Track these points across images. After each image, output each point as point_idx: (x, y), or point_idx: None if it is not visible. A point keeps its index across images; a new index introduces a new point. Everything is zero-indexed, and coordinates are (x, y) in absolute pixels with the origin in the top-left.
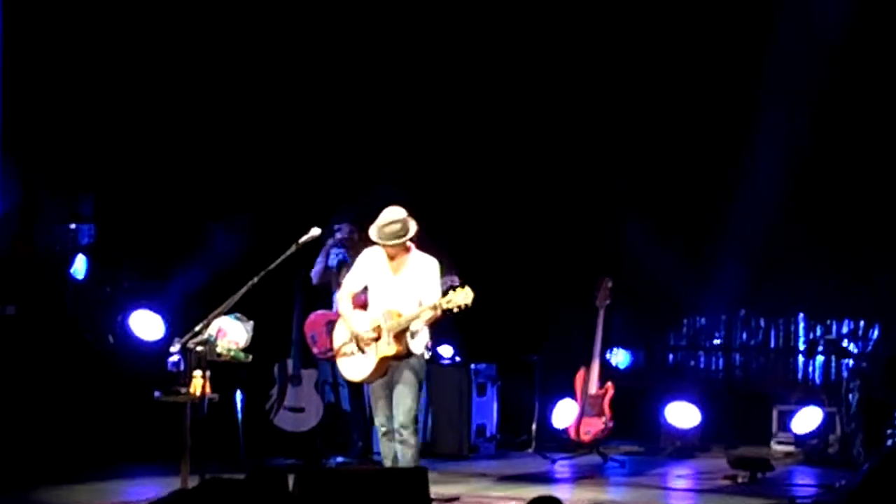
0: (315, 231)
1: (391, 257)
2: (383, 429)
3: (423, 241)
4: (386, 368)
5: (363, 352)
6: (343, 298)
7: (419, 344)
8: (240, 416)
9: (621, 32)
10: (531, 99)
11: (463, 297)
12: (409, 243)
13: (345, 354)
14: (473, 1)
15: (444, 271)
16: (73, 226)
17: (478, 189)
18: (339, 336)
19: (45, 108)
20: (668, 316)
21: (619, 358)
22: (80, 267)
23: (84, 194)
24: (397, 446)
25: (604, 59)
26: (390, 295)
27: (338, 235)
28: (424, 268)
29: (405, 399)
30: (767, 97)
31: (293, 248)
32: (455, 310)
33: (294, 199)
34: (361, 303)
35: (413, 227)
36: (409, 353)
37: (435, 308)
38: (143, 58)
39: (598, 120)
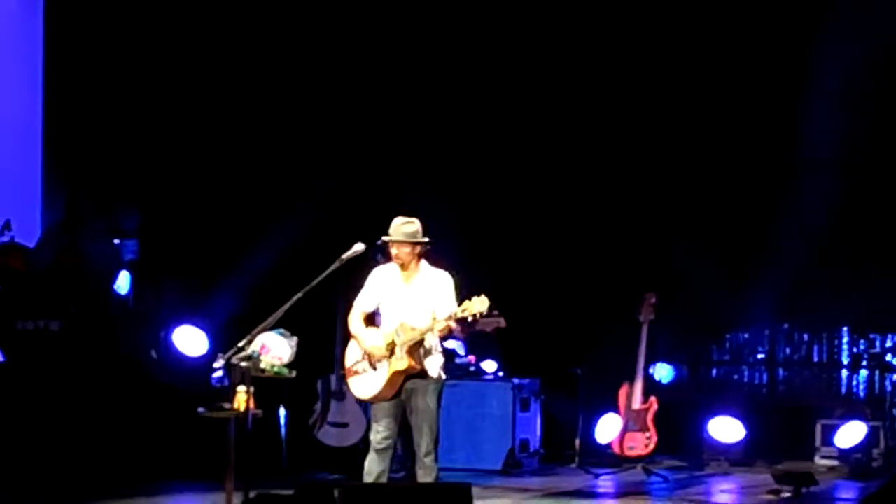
0: (359, 247)
1: (403, 266)
2: (380, 445)
3: (434, 260)
4: (397, 386)
5: (375, 368)
6: (354, 318)
7: (435, 366)
8: (283, 431)
9: (662, 49)
10: (575, 114)
11: (479, 305)
12: (421, 260)
13: (356, 373)
14: (515, 19)
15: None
16: (116, 241)
17: (522, 203)
18: (352, 355)
19: (90, 125)
20: (711, 330)
21: (663, 373)
22: (123, 283)
23: (128, 210)
24: (418, 472)
25: (648, 75)
26: (404, 308)
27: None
28: (437, 280)
29: (427, 427)
30: (813, 111)
31: (336, 264)
32: (470, 319)
33: (337, 214)
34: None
35: (425, 238)
36: (423, 371)
37: (450, 318)
38: (188, 77)
39: (642, 136)
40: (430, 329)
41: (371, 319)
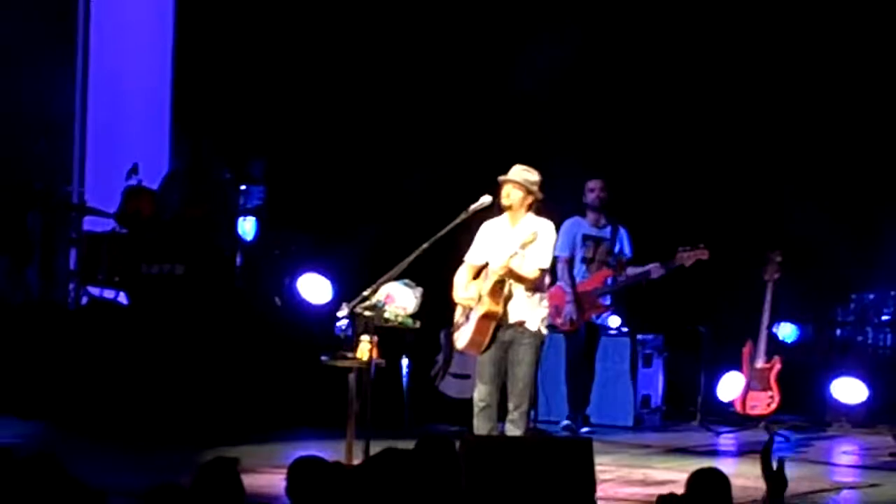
0: (486, 199)
1: (511, 209)
2: (482, 404)
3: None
4: (486, 333)
5: (468, 319)
6: (460, 271)
7: (535, 319)
8: (405, 381)
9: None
10: (699, 74)
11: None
12: (529, 211)
13: (458, 326)
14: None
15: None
16: (243, 187)
17: (649, 160)
18: (459, 311)
19: (218, 70)
20: (836, 291)
21: (787, 332)
22: (249, 229)
23: (255, 157)
24: (507, 425)
25: (770, 36)
26: (501, 254)
27: (589, 197)
28: (537, 229)
29: (519, 379)
30: None
31: (463, 215)
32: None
33: (466, 165)
34: None
35: (541, 195)
36: (519, 322)
37: (503, 267)
38: (317, 23)
39: (769, 94)
40: (503, 270)
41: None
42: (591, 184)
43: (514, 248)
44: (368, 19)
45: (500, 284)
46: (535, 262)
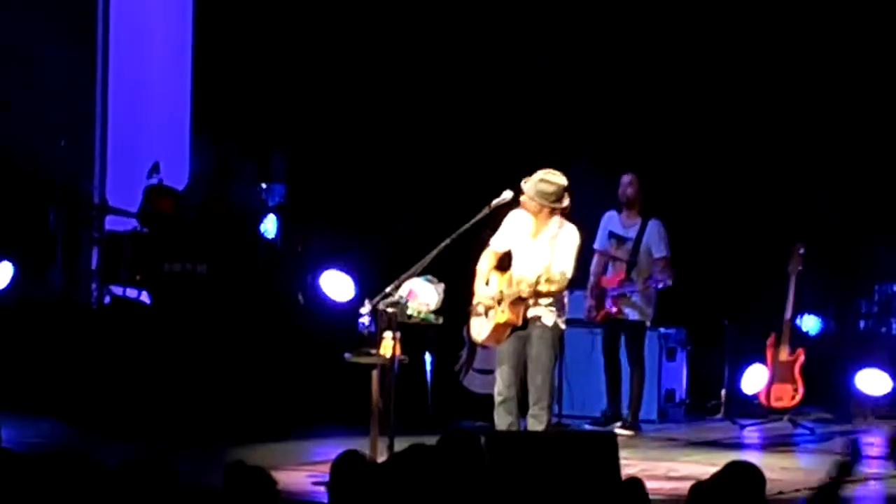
0: (507, 194)
1: (535, 215)
2: (500, 397)
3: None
4: (502, 336)
5: (486, 315)
6: (484, 257)
7: (551, 314)
8: (429, 377)
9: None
10: (718, 69)
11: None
12: (555, 214)
13: (477, 314)
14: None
15: None
16: (264, 185)
17: (672, 154)
18: (476, 293)
19: (238, 68)
20: (859, 282)
21: (810, 324)
22: (270, 227)
23: (276, 154)
24: (528, 420)
25: (791, 31)
26: (524, 258)
27: (618, 192)
28: (562, 237)
29: (537, 374)
30: None
31: (486, 210)
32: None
33: (489, 159)
34: None
35: (566, 202)
36: (536, 318)
37: (531, 285)
38: (336, 19)
39: (791, 88)
40: (529, 293)
41: (506, 259)
42: (622, 178)
43: (539, 269)
44: (390, 16)
45: (523, 299)
46: (559, 267)
